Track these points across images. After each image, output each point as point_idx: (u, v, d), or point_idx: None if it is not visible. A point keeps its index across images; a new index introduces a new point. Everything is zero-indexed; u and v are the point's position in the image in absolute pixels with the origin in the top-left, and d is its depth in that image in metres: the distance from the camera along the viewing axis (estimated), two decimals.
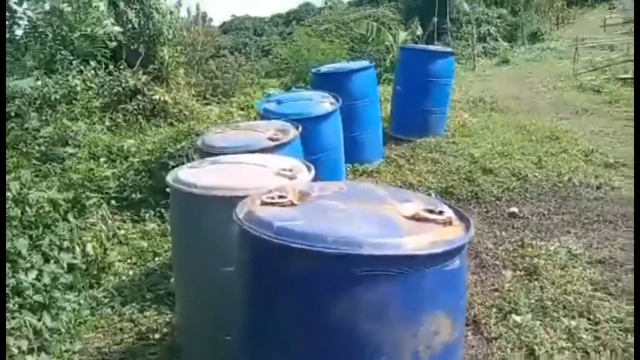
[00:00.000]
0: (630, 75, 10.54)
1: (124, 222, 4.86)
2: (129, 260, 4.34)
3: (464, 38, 17.27)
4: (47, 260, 3.68)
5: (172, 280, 3.63)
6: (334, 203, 1.75)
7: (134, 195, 5.08)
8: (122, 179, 5.29)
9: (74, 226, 4.26)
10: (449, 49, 8.12)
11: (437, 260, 1.49)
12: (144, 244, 4.51)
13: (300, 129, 3.67)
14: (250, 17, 26.14)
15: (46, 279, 3.47)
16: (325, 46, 14.49)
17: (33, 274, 3.38)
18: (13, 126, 6.33)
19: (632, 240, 3.90)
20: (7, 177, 4.38)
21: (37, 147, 5.82)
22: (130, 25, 7.51)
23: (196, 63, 14.50)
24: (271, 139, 3.40)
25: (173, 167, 4.19)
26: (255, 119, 6.29)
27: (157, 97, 7.28)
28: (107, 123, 6.86)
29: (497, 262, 3.86)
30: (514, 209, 4.72)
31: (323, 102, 4.71)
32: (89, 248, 4.12)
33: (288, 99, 4.97)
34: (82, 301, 3.65)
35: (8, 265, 3.30)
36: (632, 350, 2.80)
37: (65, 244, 3.96)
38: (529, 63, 14.91)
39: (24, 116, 6.43)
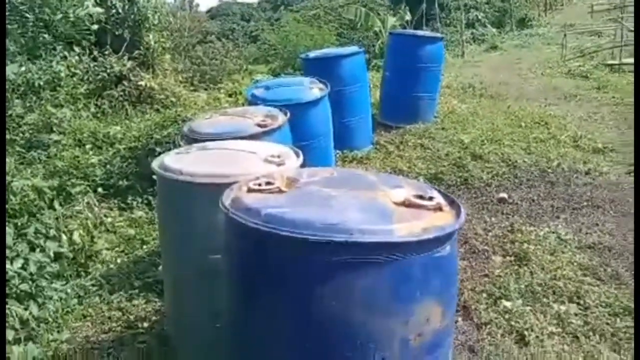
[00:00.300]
0: (617, 61, 10.58)
1: (111, 209, 4.80)
2: (116, 249, 4.30)
3: (453, 24, 17.21)
4: (32, 249, 3.62)
5: (160, 268, 3.59)
6: (323, 189, 1.72)
7: (120, 183, 5.02)
8: (108, 166, 5.21)
9: (60, 214, 4.20)
10: (438, 35, 8.06)
11: (428, 247, 1.47)
12: (132, 231, 4.47)
13: (288, 115, 3.63)
14: (238, 3, 25.86)
15: (32, 268, 3.42)
16: (314, 32, 14.37)
17: (19, 263, 3.33)
18: None
19: (624, 227, 3.94)
20: None
21: (21, 135, 5.72)
22: (114, 10, 7.36)
23: (183, 49, 14.33)
24: (259, 125, 3.36)
25: (160, 153, 4.13)
26: (243, 105, 6.22)
27: (143, 83, 7.17)
28: (93, 109, 6.75)
29: (486, 248, 3.87)
30: (504, 195, 4.73)
31: (312, 88, 4.66)
32: (76, 236, 4.06)
33: (276, 85, 4.91)
34: (69, 290, 3.60)
35: None
36: (621, 335, 2.82)
37: (52, 232, 3.90)
38: (517, 49, 14.90)
39: (7, 103, 6.30)
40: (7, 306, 3.12)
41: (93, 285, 3.73)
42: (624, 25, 11.13)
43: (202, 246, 2.28)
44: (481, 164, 5.42)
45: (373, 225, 1.45)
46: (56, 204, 4.32)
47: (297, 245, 1.42)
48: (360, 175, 2.01)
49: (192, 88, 9.39)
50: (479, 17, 17.96)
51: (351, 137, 5.92)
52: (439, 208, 1.62)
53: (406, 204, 1.61)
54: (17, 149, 5.00)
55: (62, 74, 6.68)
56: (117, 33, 7.60)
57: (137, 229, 4.50)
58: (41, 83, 6.45)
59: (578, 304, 3.12)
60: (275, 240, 1.44)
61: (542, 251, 3.70)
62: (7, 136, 5.51)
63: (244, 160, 2.47)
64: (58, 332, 3.24)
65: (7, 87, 6.40)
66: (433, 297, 1.51)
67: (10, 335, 2.96)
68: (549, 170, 5.22)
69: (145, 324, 3.29)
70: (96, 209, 4.40)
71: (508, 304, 3.14)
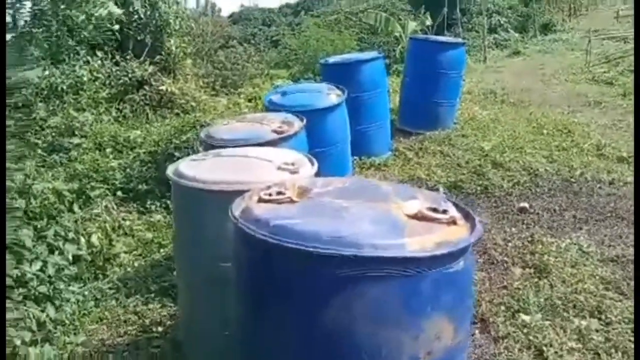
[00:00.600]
0: None
1: (130, 213, 4.84)
2: (134, 252, 4.33)
3: (475, 29, 17.04)
4: (52, 252, 3.67)
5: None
6: (335, 200, 1.69)
7: (140, 187, 5.06)
8: (128, 170, 5.27)
9: (79, 217, 4.25)
10: (459, 40, 7.98)
11: (440, 262, 1.43)
12: (150, 235, 4.49)
13: (305, 121, 3.61)
14: (259, 8, 26.02)
15: (50, 270, 3.46)
16: (335, 37, 14.35)
17: (37, 265, 3.37)
18: (21, 116, 6.31)
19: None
20: (12, 167, 4.36)
21: (43, 138, 5.81)
22: (137, 16, 7.46)
23: (205, 54, 14.46)
24: (275, 132, 3.35)
25: (179, 158, 4.16)
26: (262, 110, 6.23)
27: (164, 88, 7.24)
28: (114, 114, 6.84)
29: (506, 259, 3.79)
30: (525, 204, 4.64)
31: (329, 94, 4.64)
32: (94, 239, 4.11)
33: (294, 91, 4.91)
34: (86, 292, 3.64)
35: (11, 256, 3.28)
36: None
37: (70, 235, 3.94)
38: (540, 54, 14.67)
39: (31, 106, 6.42)
40: (24, 308, 3.16)
41: (110, 288, 3.76)
42: None
43: (213, 253, 2.27)
44: (502, 172, 5.33)
45: (384, 239, 1.42)
46: (76, 207, 4.38)
47: (304, 258, 1.40)
48: (374, 185, 1.98)
49: (213, 93, 9.46)
50: (502, 22, 17.74)
51: (369, 144, 5.88)
52: (453, 222, 1.58)
53: (419, 217, 1.57)
54: (39, 152, 5.07)
55: (85, 78, 6.81)
56: (139, 38, 7.70)
57: (155, 233, 4.52)
58: (64, 87, 6.58)
59: (599, 319, 3.03)
60: (283, 252, 1.41)
61: (563, 263, 3.61)
62: (30, 139, 5.61)
63: (257, 167, 2.46)
64: (74, 334, 3.27)
65: (31, 90, 6.54)
66: (444, 314, 1.47)
67: (27, 336, 2.98)
68: (572, 180, 5.11)
69: (160, 329, 3.30)
70: (114, 212, 4.44)
71: (527, 317, 3.06)
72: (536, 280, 3.46)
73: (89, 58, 7.11)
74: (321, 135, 4.30)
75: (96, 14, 5.12)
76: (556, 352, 2.77)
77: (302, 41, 14.85)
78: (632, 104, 8.06)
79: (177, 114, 7.13)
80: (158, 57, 7.84)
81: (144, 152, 5.52)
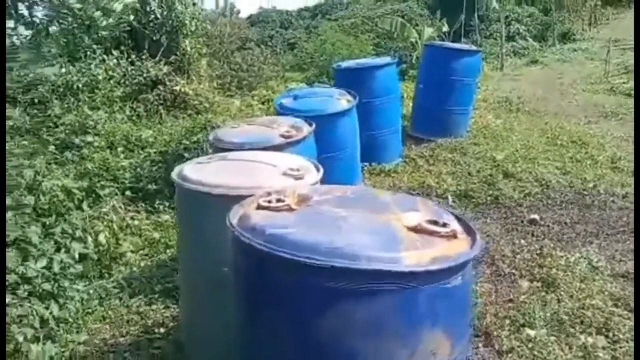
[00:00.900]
0: None
1: (138, 212, 4.86)
2: (141, 252, 4.34)
3: (493, 36, 16.89)
4: (58, 249, 3.69)
5: None
6: (334, 209, 1.67)
7: (149, 186, 5.08)
8: (138, 169, 5.29)
9: (87, 215, 4.27)
10: (474, 48, 7.90)
11: (437, 277, 1.41)
12: (157, 235, 4.50)
13: (314, 126, 3.60)
14: (278, 10, 26.05)
15: (56, 268, 3.47)
16: (351, 41, 14.32)
17: (42, 262, 3.38)
18: (36, 113, 6.39)
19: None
20: (25, 163, 4.41)
21: (57, 135, 5.86)
22: (153, 16, 7.52)
23: (222, 55, 14.51)
24: (283, 136, 3.34)
25: (188, 159, 4.17)
26: (274, 113, 6.24)
27: (177, 88, 7.27)
28: (128, 112, 6.87)
29: (513, 271, 3.73)
30: (535, 216, 4.58)
31: (340, 99, 4.62)
32: (102, 238, 4.12)
33: (305, 95, 4.90)
34: (91, 291, 3.65)
35: (17, 252, 3.31)
36: None
37: (78, 233, 3.96)
38: (559, 63, 14.51)
39: (47, 103, 6.49)
40: (29, 305, 3.18)
41: (115, 287, 3.77)
42: None
43: (215, 257, 2.26)
44: (513, 183, 5.26)
45: (379, 251, 1.40)
46: (85, 205, 4.40)
47: (298, 269, 1.38)
48: (376, 195, 1.95)
49: (228, 94, 9.49)
50: (521, 30, 17.56)
51: (380, 150, 5.85)
52: (453, 235, 1.55)
53: (418, 230, 1.54)
54: (50, 148, 5.11)
55: (100, 77, 6.86)
56: (154, 38, 7.74)
57: (162, 233, 4.53)
58: (80, 85, 6.63)
59: (607, 336, 2.97)
60: (276, 261, 1.40)
61: (571, 278, 3.54)
62: (44, 136, 5.67)
63: (261, 172, 2.44)
64: (77, 332, 3.28)
65: (47, 87, 6.62)
66: (441, 329, 1.44)
67: (29, 333, 3.00)
68: (584, 192, 5.03)
69: (162, 330, 3.30)
70: (121, 211, 4.45)
71: (532, 332, 3.01)
72: (543, 294, 3.40)
73: (105, 57, 7.16)
74: (331, 141, 4.28)
75: (112, 8, 5.17)
76: None
77: (318, 45, 14.84)
78: None
79: (190, 115, 7.15)
80: (173, 57, 7.88)
81: (155, 152, 5.54)
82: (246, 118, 6.28)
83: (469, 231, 1.62)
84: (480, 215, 4.69)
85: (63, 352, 3.05)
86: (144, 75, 7.32)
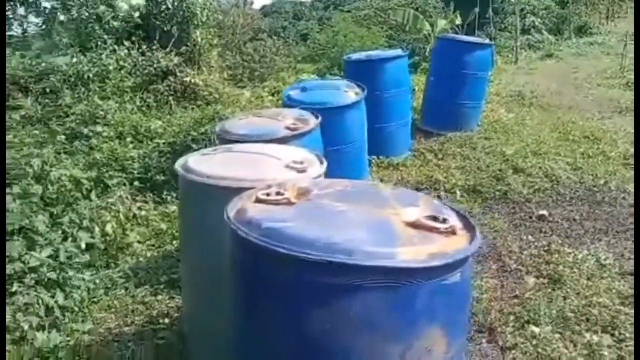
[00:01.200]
0: None
1: (146, 203, 4.87)
2: (147, 242, 4.36)
3: (507, 29, 16.69)
4: (65, 239, 3.72)
5: None
6: (333, 203, 1.66)
7: (157, 177, 5.10)
8: (146, 160, 5.31)
9: (95, 205, 4.29)
10: (486, 41, 7.80)
11: (434, 274, 1.38)
12: (164, 226, 4.52)
13: (320, 118, 3.57)
14: (291, 1, 26.00)
15: (62, 257, 3.50)
16: (363, 33, 14.25)
17: (48, 251, 3.41)
18: (48, 102, 6.45)
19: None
20: (35, 152, 4.44)
21: (68, 124, 5.90)
22: (164, 6, 7.53)
23: (235, 46, 14.51)
24: (289, 129, 3.32)
25: (196, 150, 4.17)
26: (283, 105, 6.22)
27: (188, 79, 7.29)
28: (138, 103, 6.90)
29: (520, 267, 3.70)
30: (544, 212, 4.52)
31: (347, 92, 4.58)
32: (109, 228, 4.15)
33: (312, 87, 4.86)
34: (97, 280, 3.67)
35: (23, 241, 3.34)
36: None
37: (85, 222, 3.99)
38: (574, 57, 14.31)
39: (58, 93, 6.54)
40: (35, 293, 3.21)
41: (121, 277, 3.79)
42: None
43: (215, 249, 2.24)
44: (523, 178, 5.20)
45: (376, 247, 1.38)
46: (93, 195, 4.43)
47: (293, 263, 1.36)
48: (376, 189, 1.93)
49: (240, 85, 9.48)
50: (536, 23, 17.34)
51: (389, 143, 5.81)
52: (452, 231, 1.53)
53: (417, 226, 1.52)
54: (58, 138, 5.14)
55: (111, 67, 6.90)
56: (165, 29, 7.76)
57: (169, 224, 4.55)
58: (91, 75, 6.67)
59: (612, 334, 2.92)
60: (271, 256, 1.39)
61: (578, 275, 3.50)
62: (54, 125, 5.71)
63: (264, 164, 2.43)
64: (82, 321, 3.30)
65: (59, 77, 6.66)
66: (437, 327, 1.42)
67: (34, 321, 3.03)
68: (595, 189, 4.95)
69: (167, 320, 3.31)
70: (127, 201, 4.47)
71: (536, 329, 2.98)
72: (549, 291, 3.36)
73: (115, 47, 7.19)
74: (337, 133, 4.26)
75: (117, 6, 5.19)
76: None
77: (330, 36, 14.79)
78: None
79: (200, 106, 7.16)
80: (184, 48, 7.89)
81: (164, 143, 5.55)
82: (255, 109, 6.27)
83: (469, 227, 1.60)
84: (488, 211, 4.64)
85: (68, 340, 3.08)
86: (155, 65, 7.34)
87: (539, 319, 3.07)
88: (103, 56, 6.90)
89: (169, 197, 4.93)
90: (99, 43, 7.01)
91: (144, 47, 7.52)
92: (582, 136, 6.47)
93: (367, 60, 6.01)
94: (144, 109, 6.94)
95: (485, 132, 6.62)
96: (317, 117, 3.59)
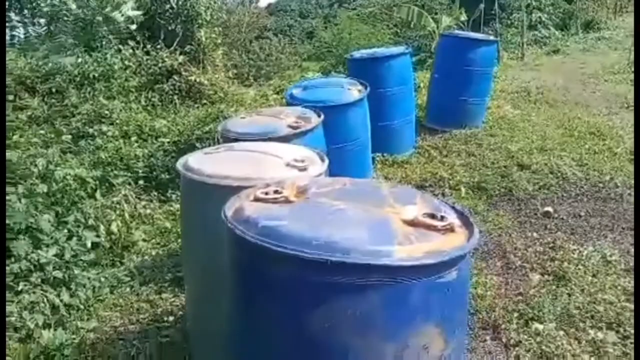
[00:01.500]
0: None
1: (151, 201, 4.91)
2: (152, 240, 4.39)
3: (514, 25, 16.57)
4: (70, 237, 3.75)
5: None
6: (332, 202, 1.66)
7: (162, 176, 5.13)
8: (151, 159, 5.34)
9: (100, 204, 4.32)
10: (491, 37, 7.75)
11: (430, 272, 1.38)
12: (168, 224, 4.55)
13: (322, 116, 3.57)
14: None
15: (67, 256, 3.53)
16: (368, 31, 14.21)
17: (53, 250, 3.44)
18: (54, 102, 6.49)
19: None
20: (41, 152, 4.48)
21: (73, 124, 5.93)
22: (168, 6, 7.54)
23: (240, 44, 14.52)
24: (291, 127, 3.32)
25: (200, 149, 4.19)
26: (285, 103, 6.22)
27: (192, 78, 7.30)
28: (143, 102, 6.92)
29: (524, 264, 3.69)
30: (549, 209, 4.50)
31: (350, 90, 4.57)
32: (114, 226, 4.18)
33: (315, 85, 4.86)
34: (102, 279, 3.70)
35: (28, 240, 3.37)
36: None
37: (90, 221, 4.02)
38: (581, 53, 14.18)
39: (64, 93, 6.57)
40: (41, 292, 3.24)
41: (126, 275, 3.82)
42: None
43: (215, 248, 2.25)
44: (528, 175, 5.17)
45: (372, 245, 1.37)
46: (98, 194, 4.46)
47: (289, 262, 1.36)
48: (375, 187, 1.93)
49: (246, 83, 9.48)
50: (543, 18, 17.18)
51: (393, 141, 5.80)
52: (450, 229, 1.52)
53: (414, 224, 1.52)
54: (63, 137, 5.17)
55: (116, 67, 6.92)
56: (170, 28, 7.78)
57: (173, 222, 4.57)
58: (96, 75, 6.70)
59: (617, 332, 2.91)
60: (268, 254, 1.39)
61: (583, 272, 3.48)
62: (59, 125, 5.74)
63: (265, 163, 2.43)
64: (87, 319, 3.34)
65: (65, 77, 6.70)
66: (434, 324, 1.42)
67: (40, 320, 3.07)
68: (600, 185, 4.92)
69: (171, 318, 3.34)
70: (132, 200, 4.50)
71: (540, 326, 2.97)
72: (554, 287, 3.35)
73: (120, 47, 7.22)
74: (340, 131, 4.25)
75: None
76: None
77: (335, 34, 14.77)
78: None
79: (205, 105, 7.18)
80: (188, 47, 7.90)
81: (168, 142, 5.58)
82: (259, 108, 6.28)
83: (467, 225, 1.59)
84: (493, 208, 4.63)
85: (73, 338, 3.11)
86: (159, 65, 7.36)
87: (543, 316, 3.07)
88: (108, 56, 6.92)
89: (173, 196, 4.95)
90: (104, 43, 7.03)
91: (148, 46, 7.54)
92: (588, 132, 6.42)
93: (370, 57, 5.99)
94: (149, 108, 6.97)
95: (490, 128, 6.59)
96: (319, 115, 3.58)
